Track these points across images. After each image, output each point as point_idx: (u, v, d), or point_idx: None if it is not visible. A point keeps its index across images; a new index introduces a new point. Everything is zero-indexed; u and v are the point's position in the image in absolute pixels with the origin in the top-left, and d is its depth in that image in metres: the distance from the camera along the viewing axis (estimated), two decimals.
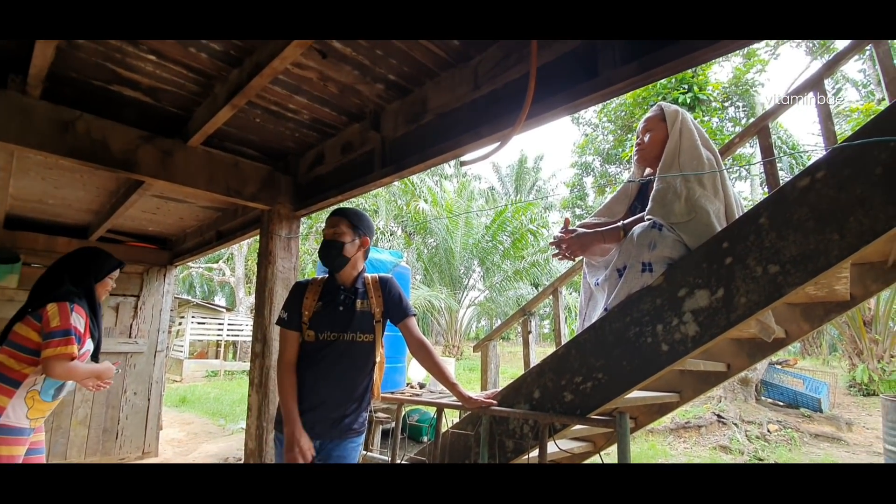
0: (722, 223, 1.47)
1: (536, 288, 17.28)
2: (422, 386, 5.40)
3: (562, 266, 16.78)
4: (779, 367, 7.83)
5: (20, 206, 3.79)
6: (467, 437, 1.89)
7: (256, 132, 2.71)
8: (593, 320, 1.68)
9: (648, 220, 1.50)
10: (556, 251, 1.71)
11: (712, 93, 7.93)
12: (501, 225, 14.49)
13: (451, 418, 3.21)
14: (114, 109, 2.37)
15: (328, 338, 1.68)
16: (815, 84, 2.48)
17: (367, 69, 2.10)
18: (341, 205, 2.80)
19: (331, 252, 1.73)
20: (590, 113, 12.55)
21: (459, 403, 1.90)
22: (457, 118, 2.09)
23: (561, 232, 1.76)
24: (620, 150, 10.03)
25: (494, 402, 1.78)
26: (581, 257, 1.80)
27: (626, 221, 1.62)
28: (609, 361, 1.51)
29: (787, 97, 2.51)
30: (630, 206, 1.82)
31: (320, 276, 1.82)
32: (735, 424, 5.94)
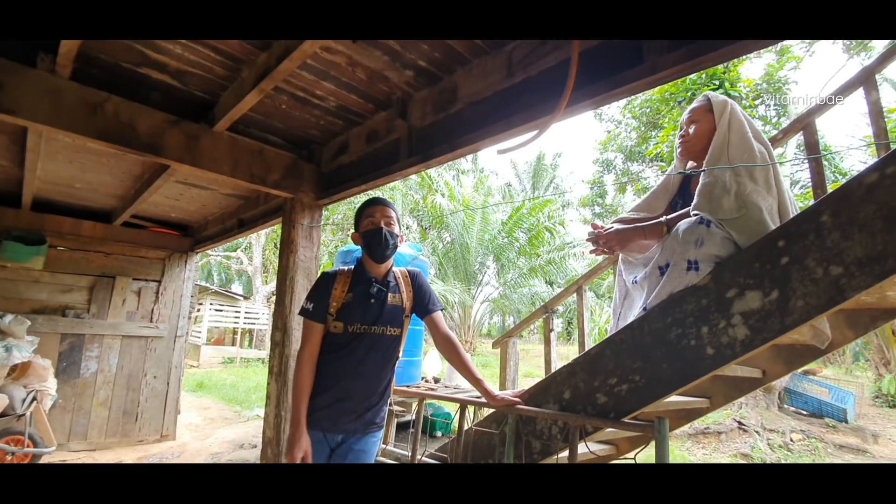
0: (775, 221, 1.38)
1: (551, 286, 17.12)
2: (436, 380, 5.36)
3: (579, 265, 16.60)
4: (803, 375, 7.60)
5: (47, 190, 3.84)
6: (491, 435, 1.83)
7: (282, 119, 2.68)
8: (629, 320, 1.61)
9: (695, 215, 1.41)
10: (594, 247, 1.64)
11: (744, 89, 7.67)
12: (518, 221, 14.36)
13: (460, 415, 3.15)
14: (142, 92, 2.36)
15: (357, 330, 1.63)
16: (864, 79, 2.34)
17: (397, 55, 2.04)
18: (369, 194, 2.75)
19: (389, 244, 1.66)
20: (613, 109, 12.31)
21: (484, 400, 1.85)
22: (488, 107, 2.02)
23: (591, 229, 1.69)
24: (644, 147, 9.81)
25: (521, 400, 1.72)
26: (618, 253, 1.72)
27: (669, 217, 1.54)
28: (647, 363, 1.44)
29: (835, 94, 2.38)
30: (671, 201, 1.73)
31: (346, 267, 1.75)
32: (757, 432, 5.78)
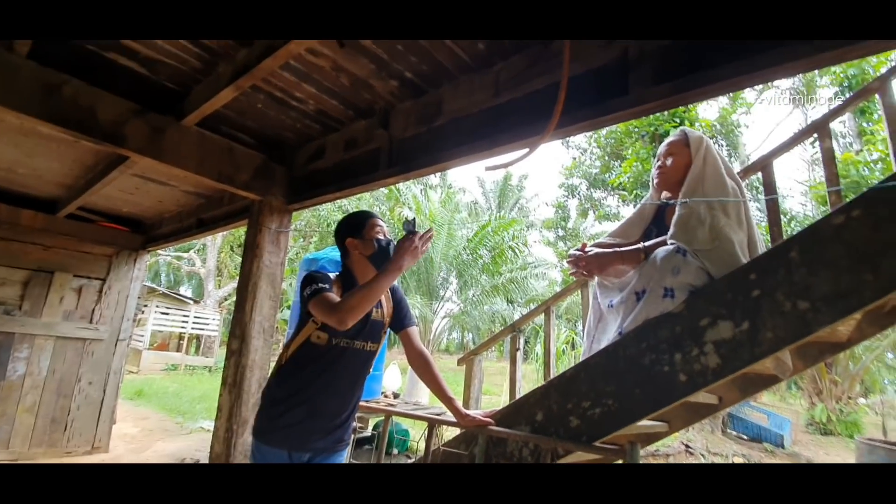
0: (745, 255, 1.44)
1: (512, 304, 17.31)
2: (395, 395, 5.25)
3: (539, 285, 16.90)
4: (745, 401, 8.00)
5: None
6: (460, 456, 1.79)
7: (255, 118, 2.58)
8: (603, 343, 1.63)
9: (672, 244, 1.45)
10: (573, 269, 1.66)
11: (701, 128, 8.17)
12: (482, 239, 14.50)
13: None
14: (105, 77, 2.21)
15: (340, 344, 1.55)
16: (818, 127, 2.53)
17: (384, 64, 2.02)
18: (341, 205, 2.67)
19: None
20: (579, 137, 12.78)
21: (454, 419, 1.81)
22: (473, 124, 2.02)
23: (577, 251, 1.71)
24: (607, 175, 10.20)
25: (492, 421, 1.70)
26: (594, 277, 1.74)
27: (647, 244, 1.58)
28: (621, 388, 1.45)
29: (792, 138, 2.55)
30: (646, 229, 1.79)
31: (334, 274, 1.65)
32: (702, 455, 5.99)
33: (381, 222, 1.69)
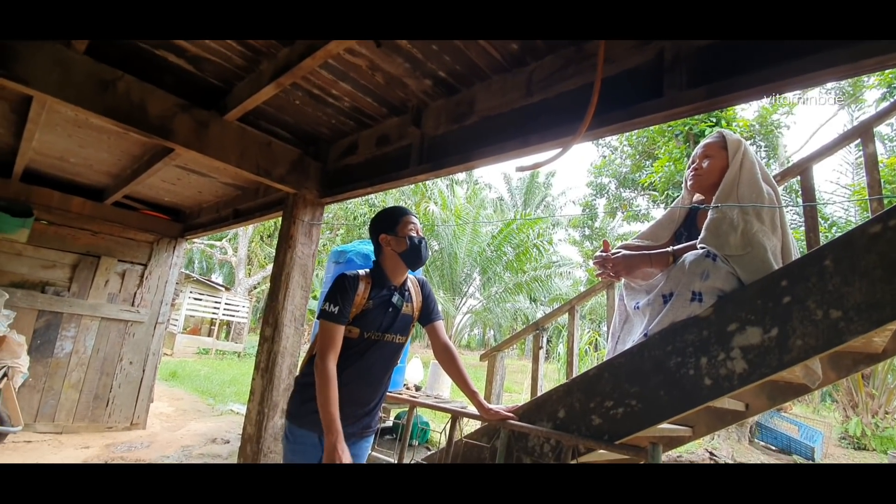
0: (778, 261, 1.43)
1: (534, 303, 17.21)
2: (417, 388, 5.34)
3: (564, 284, 16.73)
4: (775, 411, 7.75)
5: (40, 161, 3.75)
6: (481, 449, 1.83)
7: (293, 114, 2.68)
8: (628, 344, 1.64)
9: (702, 248, 1.45)
10: (600, 270, 1.67)
11: (738, 129, 7.92)
12: (507, 236, 14.44)
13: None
14: (155, 74, 2.34)
15: (372, 337, 1.61)
16: (862, 132, 2.44)
17: (418, 63, 2.07)
18: (368, 198, 2.75)
19: (427, 251, 1.68)
20: (610, 136, 12.57)
21: (474, 412, 1.86)
22: (504, 123, 2.05)
23: (601, 251, 1.72)
24: (638, 175, 10.01)
25: (515, 416, 1.73)
26: (621, 278, 1.75)
27: (676, 248, 1.58)
28: (645, 389, 1.46)
29: (834, 142, 2.47)
30: (676, 232, 1.78)
31: (363, 271, 1.70)
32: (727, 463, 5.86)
33: (415, 219, 1.73)
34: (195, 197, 4.39)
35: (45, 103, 2.48)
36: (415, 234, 1.68)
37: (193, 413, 5.88)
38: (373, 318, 1.62)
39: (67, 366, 4.32)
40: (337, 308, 1.56)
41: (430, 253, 1.67)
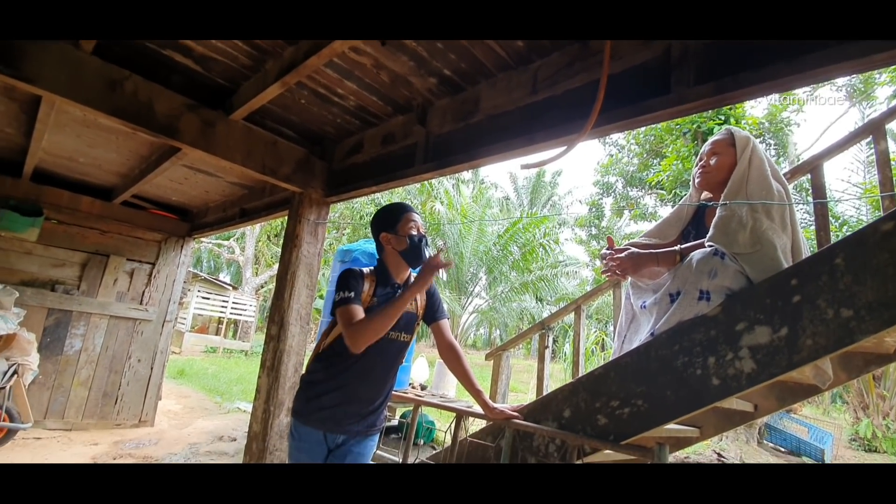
0: (788, 259, 1.41)
1: (540, 302, 17.17)
2: (423, 387, 5.34)
3: (570, 283, 16.67)
4: (784, 412, 7.67)
5: (50, 161, 3.79)
6: (486, 448, 1.83)
7: (299, 113, 2.68)
8: (634, 344, 1.62)
9: (710, 246, 1.43)
10: (605, 268, 1.66)
11: (747, 126, 7.83)
12: (513, 235, 14.41)
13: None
14: (162, 74, 2.36)
15: None
16: (874, 129, 2.41)
17: (423, 61, 2.06)
18: (374, 197, 2.75)
19: (428, 250, 1.67)
20: (617, 134, 12.49)
21: (479, 412, 1.85)
22: (509, 121, 2.04)
23: (607, 249, 1.70)
24: (645, 174, 9.94)
25: (520, 415, 1.72)
26: (627, 277, 1.73)
27: (683, 246, 1.56)
28: (651, 389, 1.45)
29: (845, 139, 2.44)
30: (683, 230, 1.76)
31: (367, 269, 1.69)
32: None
33: (416, 216, 1.72)
34: (202, 196, 4.42)
35: (54, 103, 2.50)
36: (415, 233, 1.66)
37: (201, 411, 5.92)
38: None
39: (77, 363, 4.37)
40: (353, 293, 1.54)
41: (430, 251, 1.65)
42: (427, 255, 1.65)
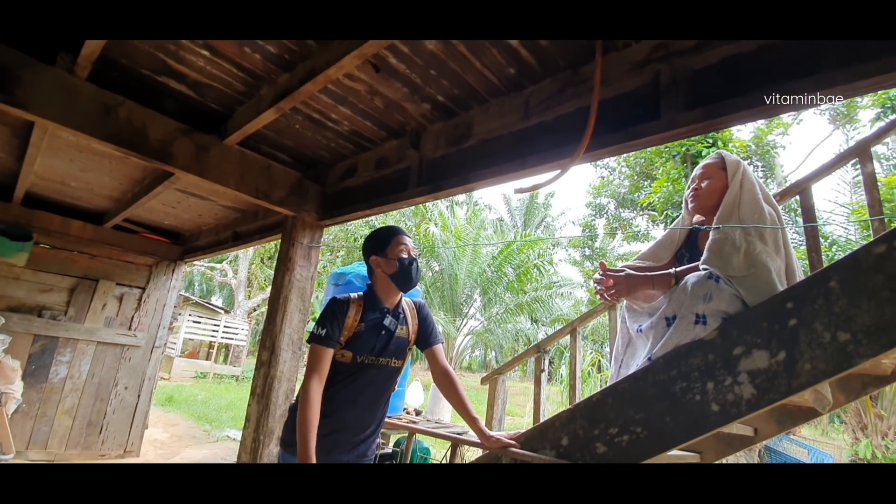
0: (783, 282, 1.40)
1: (536, 323, 17.07)
2: (418, 413, 5.24)
3: (565, 304, 16.63)
4: (784, 434, 7.60)
5: (41, 185, 3.77)
6: None
7: (293, 138, 2.69)
8: (632, 368, 1.60)
9: (704, 269, 1.43)
10: (598, 288, 1.64)
11: (735, 149, 7.98)
12: (507, 257, 14.43)
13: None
14: (156, 99, 2.36)
15: (365, 361, 1.58)
16: (860, 151, 2.45)
17: (416, 88, 2.09)
18: (369, 220, 2.74)
19: (418, 273, 1.66)
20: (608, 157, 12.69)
21: (475, 440, 1.81)
22: (502, 146, 2.06)
23: (600, 274, 1.69)
24: (636, 195, 10.06)
25: (517, 443, 1.68)
26: (622, 300, 1.72)
27: (678, 269, 1.56)
28: (650, 415, 1.42)
29: (832, 162, 2.48)
30: (677, 252, 1.76)
31: (356, 294, 1.69)
32: None
33: (407, 240, 1.71)
34: (195, 220, 4.39)
35: (48, 129, 2.49)
36: (406, 256, 1.65)
37: (189, 439, 5.76)
38: (365, 341, 1.60)
39: (62, 391, 4.25)
40: (324, 331, 1.56)
41: (420, 275, 1.64)
42: (417, 278, 1.63)
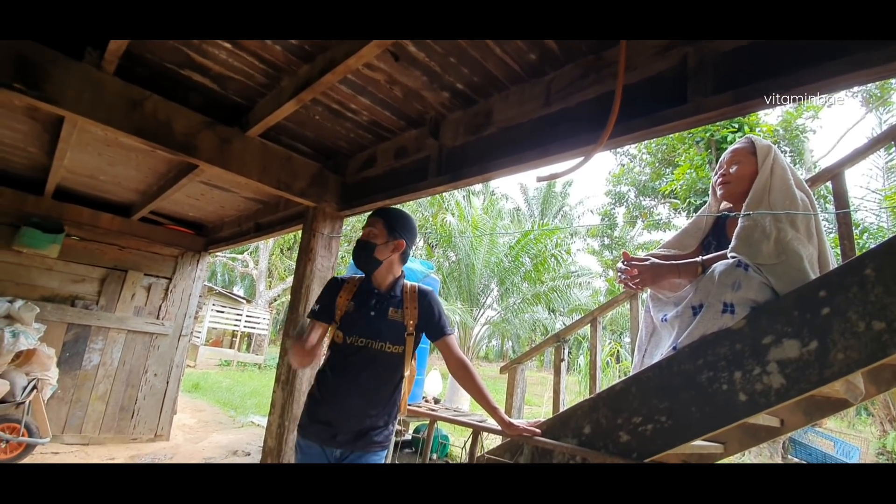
0: (815, 270, 1.37)
1: (553, 313, 16.98)
2: (436, 401, 5.29)
3: (583, 294, 16.49)
4: (810, 426, 7.45)
5: (71, 179, 3.89)
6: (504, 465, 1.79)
7: (313, 129, 2.71)
8: (656, 358, 1.59)
9: (733, 257, 1.40)
10: (621, 277, 1.62)
11: (762, 134, 7.73)
12: (525, 246, 14.33)
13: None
14: (180, 93, 2.40)
15: (356, 343, 1.61)
16: (894, 135, 2.35)
17: (436, 76, 2.07)
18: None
19: (362, 253, 1.69)
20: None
21: (499, 428, 1.81)
22: (523, 133, 2.04)
23: (623, 263, 1.67)
24: (658, 183, 9.85)
25: (538, 431, 1.69)
26: (646, 289, 1.70)
27: (705, 257, 1.53)
28: (675, 405, 1.41)
29: (866, 146, 2.39)
30: (703, 240, 1.72)
31: (357, 276, 1.74)
32: None
33: (370, 221, 1.79)
34: (218, 211, 4.48)
35: (77, 123, 2.56)
36: (361, 238, 1.74)
37: (215, 425, 5.93)
38: (354, 321, 1.64)
39: (95, 378, 4.42)
40: (318, 307, 1.69)
41: (363, 253, 1.71)
42: (357, 258, 1.74)
